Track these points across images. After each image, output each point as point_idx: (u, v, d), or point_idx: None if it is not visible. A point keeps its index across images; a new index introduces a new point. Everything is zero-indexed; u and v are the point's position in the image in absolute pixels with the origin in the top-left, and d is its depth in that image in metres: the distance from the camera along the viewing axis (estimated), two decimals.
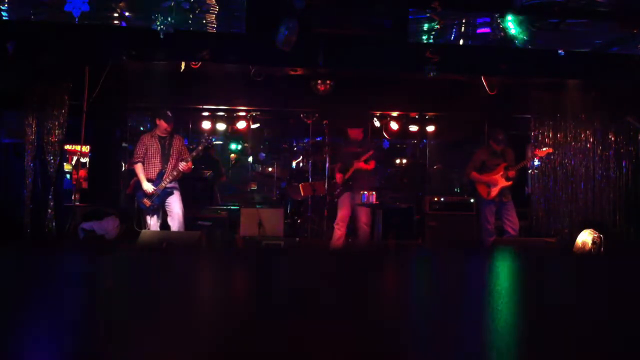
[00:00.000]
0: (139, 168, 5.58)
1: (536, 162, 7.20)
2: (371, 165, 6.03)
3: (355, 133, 6.22)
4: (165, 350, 0.80)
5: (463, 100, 7.11)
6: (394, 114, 8.00)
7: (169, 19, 4.87)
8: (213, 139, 7.73)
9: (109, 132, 7.58)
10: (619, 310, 1.04)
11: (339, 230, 6.02)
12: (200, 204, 7.08)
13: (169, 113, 5.69)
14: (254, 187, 9.67)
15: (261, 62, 6.36)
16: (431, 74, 5.62)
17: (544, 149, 6.56)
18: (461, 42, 6.11)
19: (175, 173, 5.59)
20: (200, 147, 5.80)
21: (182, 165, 5.57)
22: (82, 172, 8.55)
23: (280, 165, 9.18)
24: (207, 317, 0.99)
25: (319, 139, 8.08)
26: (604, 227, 6.17)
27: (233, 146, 9.56)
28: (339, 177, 6.15)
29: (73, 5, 4.82)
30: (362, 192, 5.72)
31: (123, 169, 7.88)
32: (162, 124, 5.66)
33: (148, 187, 5.50)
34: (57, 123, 6.49)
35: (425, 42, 5.89)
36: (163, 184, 5.53)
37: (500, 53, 6.15)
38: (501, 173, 5.97)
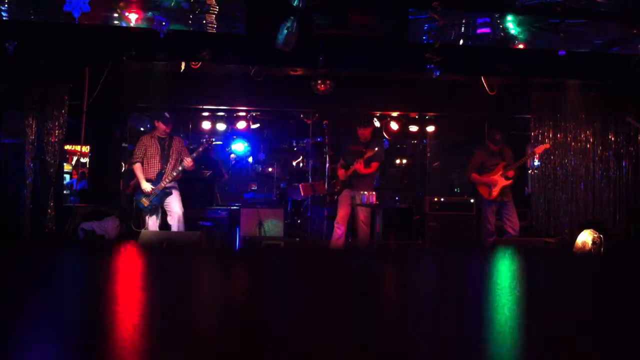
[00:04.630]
0: (137, 168, 5.59)
1: (536, 162, 7.21)
2: (372, 168, 5.99)
3: (364, 132, 6.16)
4: (165, 350, 0.80)
5: (463, 100, 7.11)
6: (394, 114, 7.99)
7: (169, 19, 4.88)
8: (213, 140, 7.74)
9: (109, 132, 7.59)
10: (619, 310, 1.04)
11: (339, 230, 6.02)
12: (200, 204, 7.09)
13: (167, 114, 5.70)
14: (254, 187, 9.67)
15: (261, 62, 6.36)
16: (435, 74, 5.61)
17: (541, 145, 6.60)
18: (461, 42, 6.10)
19: (174, 174, 5.60)
20: (200, 148, 5.82)
21: (186, 161, 5.56)
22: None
23: (280, 165, 9.17)
24: (206, 317, 0.99)
25: (319, 139, 8.08)
26: (604, 227, 6.17)
27: (239, 146, 9.33)
28: (341, 172, 6.14)
29: (73, 5, 4.82)
30: (361, 193, 5.71)
31: (123, 169, 7.89)
32: (160, 126, 5.67)
33: (146, 186, 5.51)
34: (57, 123, 6.49)
35: (425, 42, 5.89)
36: (162, 184, 5.54)
37: (500, 53, 6.15)
38: (500, 172, 5.97)
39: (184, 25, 5.57)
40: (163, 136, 5.69)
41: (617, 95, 7.07)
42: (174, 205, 5.58)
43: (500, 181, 5.95)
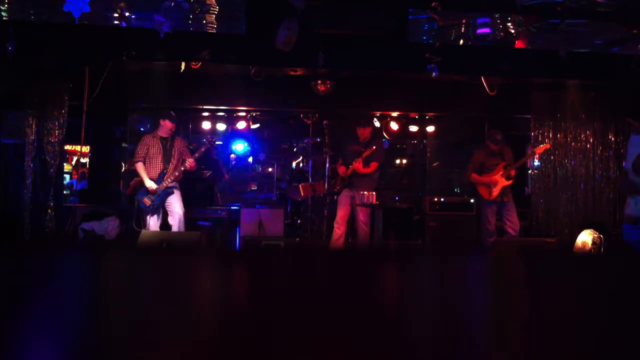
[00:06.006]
0: (140, 167, 5.60)
1: (536, 162, 7.21)
2: (371, 168, 5.99)
3: (363, 132, 6.15)
4: (164, 351, 0.81)
5: (463, 100, 7.11)
6: (394, 114, 8.00)
7: (169, 19, 4.88)
8: (214, 140, 7.75)
9: (109, 132, 7.59)
10: (619, 311, 1.05)
11: (339, 230, 6.02)
12: (200, 204, 7.09)
13: (173, 113, 5.76)
14: (254, 187, 9.68)
15: (261, 62, 6.35)
16: (434, 74, 5.60)
17: (541, 145, 6.60)
18: (461, 42, 6.10)
19: (177, 173, 5.61)
20: (202, 149, 5.85)
21: (188, 162, 5.59)
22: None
23: (280, 166, 9.18)
24: (206, 317, 0.99)
25: (319, 139, 8.09)
26: (604, 227, 6.17)
27: (239, 146, 9.29)
28: (342, 169, 6.11)
29: (73, 5, 4.82)
30: (361, 193, 5.70)
31: (123, 169, 7.89)
32: (167, 124, 5.69)
33: (150, 184, 5.52)
34: (57, 123, 6.50)
35: (425, 42, 5.88)
36: (164, 184, 5.55)
37: (500, 53, 6.15)
38: (501, 172, 5.97)
39: (184, 25, 5.57)
40: (166, 136, 5.70)
41: (617, 95, 7.07)
42: (176, 205, 5.59)
43: (500, 181, 5.95)
